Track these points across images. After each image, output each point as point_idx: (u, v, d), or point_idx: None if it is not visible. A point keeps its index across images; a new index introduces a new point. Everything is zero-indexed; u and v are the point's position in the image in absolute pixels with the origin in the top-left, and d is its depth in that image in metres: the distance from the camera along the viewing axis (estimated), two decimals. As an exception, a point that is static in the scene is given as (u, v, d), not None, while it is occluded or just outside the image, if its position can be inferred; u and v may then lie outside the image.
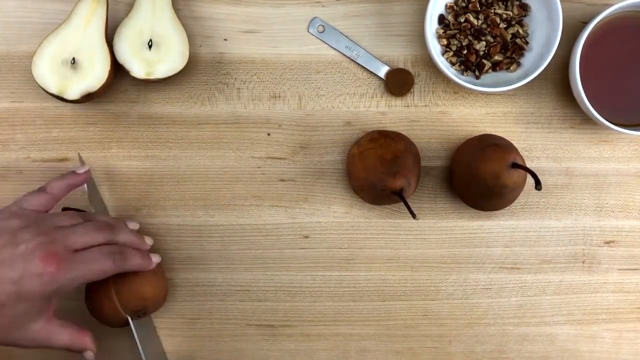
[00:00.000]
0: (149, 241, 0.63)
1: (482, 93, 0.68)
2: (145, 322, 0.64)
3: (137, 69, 0.63)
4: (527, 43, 0.66)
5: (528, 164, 0.67)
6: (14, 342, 0.55)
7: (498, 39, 0.65)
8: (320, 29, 0.67)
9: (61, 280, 0.53)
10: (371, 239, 0.67)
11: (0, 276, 0.52)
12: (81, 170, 0.62)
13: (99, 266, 0.56)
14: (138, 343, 0.61)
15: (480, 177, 0.60)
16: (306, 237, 0.67)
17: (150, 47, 0.63)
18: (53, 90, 0.63)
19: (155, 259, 0.62)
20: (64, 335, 0.57)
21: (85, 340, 0.58)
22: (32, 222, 0.55)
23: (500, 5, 0.65)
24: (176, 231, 0.67)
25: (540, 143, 0.68)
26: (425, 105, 0.68)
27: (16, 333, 0.54)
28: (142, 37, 0.63)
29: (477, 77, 0.66)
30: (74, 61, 0.63)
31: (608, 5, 0.62)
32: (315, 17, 0.67)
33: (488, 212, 0.67)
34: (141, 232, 0.67)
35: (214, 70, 0.67)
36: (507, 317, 0.68)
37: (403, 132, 0.67)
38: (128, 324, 0.61)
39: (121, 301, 0.60)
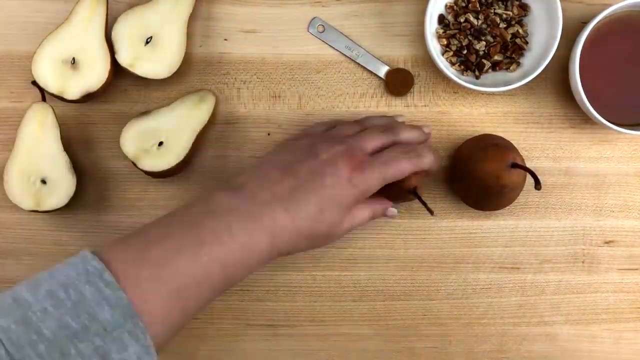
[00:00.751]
0: (426, 130, 0.64)
1: (482, 93, 0.68)
2: None
3: (125, 56, 0.63)
4: (527, 43, 0.66)
5: (528, 164, 0.67)
6: (331, 240, 0.59)
7: (498, 39, 0.65)
8: (320, 28, 0.67)
9: (368, 182, 0.56)
10: (371, 239, 0.67)
11: (315, 184, 0.55)
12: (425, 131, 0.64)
13: (397, 165, 0.58)
14: None
15: (480, 177, 0.60)
16: (306, 237, 0.67)
17: (147, 42, 0.64)
18: (53, 90, 0.63)
19: (437, 162, 0.62)
20: (366, 213, 0.61)
21: (384, 206, 0.62)
22: (321, 137, 0.60)
23: (500, 5, 0.65)
24: (176, 231, 0.67)
25: (540, 143, 0.68)
26: (425, 105, 0.68)
27: (333, 234, 0.58)
28: (142, 32, 0.64)
29: (477, 77, 0.66)
30: (74, 61, 0.63)
31: (608, 5, 0.62)
32: (315, 17, 0.67)
33: (488, 212, 0.67)
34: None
35: (213, 70, 0.67)
36: (507, 317, 0.68)
37: (403, 132, 0.67)
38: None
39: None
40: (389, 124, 0.63)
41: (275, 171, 0.57)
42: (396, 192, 0.61)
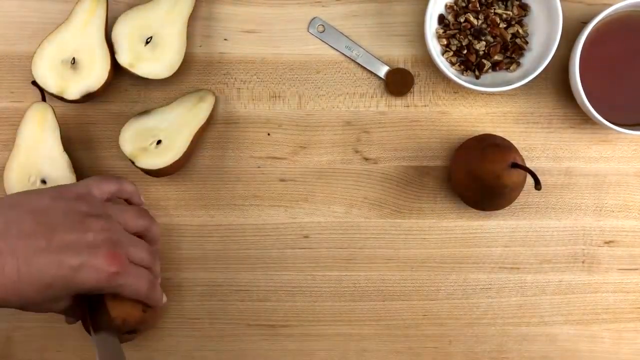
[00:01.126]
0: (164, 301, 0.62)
1: (482, 93, 0.68)
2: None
3: (125, 57, 0.63)
4: (527, 43, 0.66)
5: (528, 164, 0.67)
6: (31, 311, 0.54)
7: (498, 39, 0.65)
8: (320, 28, 0.67)
9: (110, 284, 0.53)
10: (371, 239, 0.67)
11: (62, 259, 0.50)
12: (142, 199, 0.63)
13: (138, 287, 0.55)
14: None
15: (480, 177, 0.60)
16: (306, 237, 0.67)
17: (147, 43, 0.64)
18: (53, 90, 0.63)
19: (164, 298, 0.61)
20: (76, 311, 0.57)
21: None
22: (101, 213, 0.55)
23: (500, 5, 0.65)
24: (176, 231, 0.67)
25: (540, 143, 0.68)
26: (425, 105, 0.68)
27: (39, 308, 0.54)
28: (142, 32, 0.64)
29: (477, 77, 0.66)
30: (73, 61, 0.63)
31: (608, 5, 0.62)
32: (315, 17, 0.67)
33: (488, 212, 0.67)
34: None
35: (213, 70, 0.67)
36: (507, 317, 0.67)
37: (403, 132, 0.67)
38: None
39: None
40: (154, 250, 0.59)
41: (29, 220, 0.51)
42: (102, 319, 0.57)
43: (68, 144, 0.66)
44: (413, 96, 0.68)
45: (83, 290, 0.52)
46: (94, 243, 0.52)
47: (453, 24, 0.66)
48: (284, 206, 0.67)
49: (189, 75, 0.67)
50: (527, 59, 0.66)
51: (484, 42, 0.65)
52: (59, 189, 0.56)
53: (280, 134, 0.68)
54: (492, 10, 0.65)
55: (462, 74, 0.66)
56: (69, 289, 0.52)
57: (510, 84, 0.63)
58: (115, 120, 0.67)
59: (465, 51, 0.65)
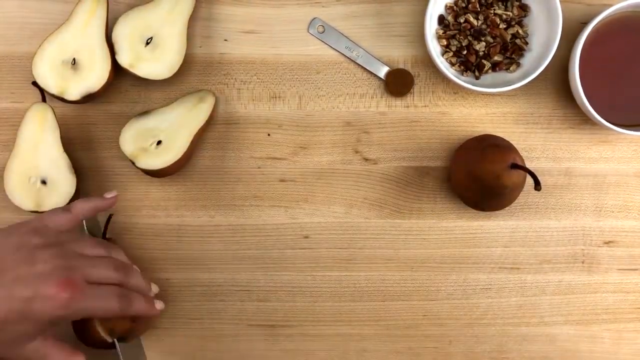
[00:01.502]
0: (154, 289, 0.62)
1: (482, 93, 0.68)
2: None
3: (125, 57, 0.64)
4: (526, 43, 0.66)
5: (528, 165, 0.67)
6: (6, 357, 0.54)
7: (498, 39, 0.65)
8: (320, 29, 0.67)
9: (70, 310, 0.52)
10: (371, 239, 0.68)
11: (12, 293, 0.50)
12: (109, 195, 0.61)
13: (106, 305, 0.54)
14: None
15: (480, 177, 0.60)
16: (306, 237, 0.67)
17: (147, 43, 0.64)
18: (53, 90, 0.63)
19: (159, 305, 0.61)
20: (58, 356, 0.55)
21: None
22: (53, 242, 0.54)
23: (500, 5, 0.65)
24: (176, 231, 0.67)
25: (540, 143, 0.68)
26: (425, 106, 0.68)
27: (10, 350, 0.53)
28: (142, 33, 0.64)
29: (477, 78, 0.66)
30: (74, 62, 0.63)
31: (607, 6, 0.62)
32: (315, 18, 0.67)
33: (488, 213, 0.67)
34: (141, 232, 0.67)
35: (214, 71, 0.67)
36: (507, 317, 0.68)
37: (403, 133, 0.67)
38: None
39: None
40: (126, 265, 0.59)
41: None
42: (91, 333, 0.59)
43: (68, 144, 0.66)
44: (413, 97, 0.68)
45: (47, 320, 0.52)
46: (43, 273, 0.52)
47: (453, 25, 0.66)
48: (284, 206, 0.67)
49: (189, 75, 0.67)
50: (527, 60, 0.66)
51: (483, 43, 0.65)
52: (15, 225, 0.56)
53: (281, 134, 0.68)
54: (492, 11, 0.65)
55: (462, 74, 0.66)
56: (28, 322, 0.51)
57: (510, 85, 0.63)
58: (116, 121, 0.67)
59: (465, 52, 0.65)
